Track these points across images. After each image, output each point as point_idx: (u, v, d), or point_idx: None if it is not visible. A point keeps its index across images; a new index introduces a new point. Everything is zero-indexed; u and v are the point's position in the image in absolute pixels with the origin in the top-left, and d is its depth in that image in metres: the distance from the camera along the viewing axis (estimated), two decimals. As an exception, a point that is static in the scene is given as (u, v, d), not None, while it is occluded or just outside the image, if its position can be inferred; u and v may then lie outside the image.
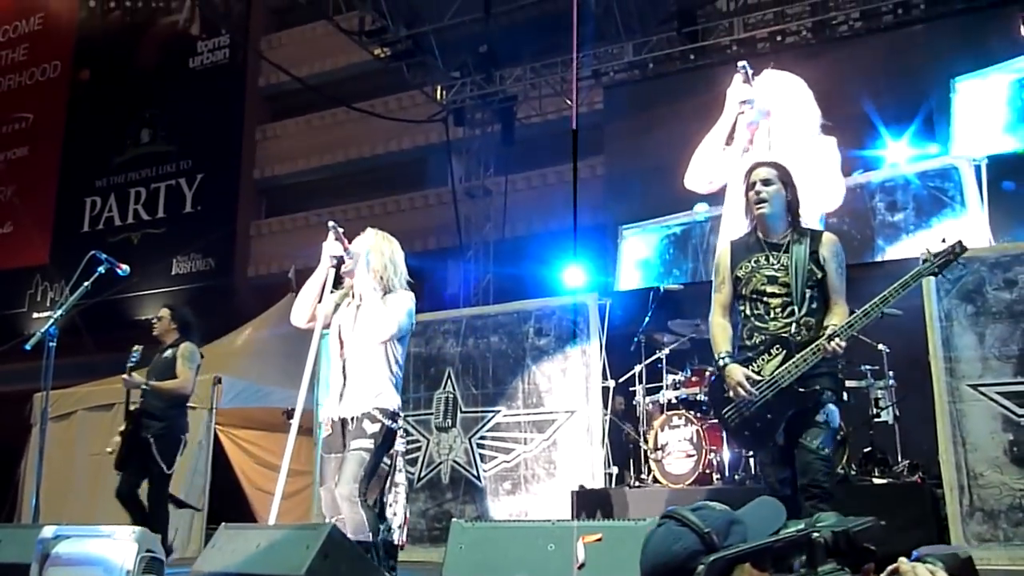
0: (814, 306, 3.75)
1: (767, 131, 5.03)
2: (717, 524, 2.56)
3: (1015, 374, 5.11)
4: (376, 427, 3.90)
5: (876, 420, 6.12)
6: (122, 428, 6.15)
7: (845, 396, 3.84)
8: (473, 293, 11.77)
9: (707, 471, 6.13)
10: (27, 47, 21.38)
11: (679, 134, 10.13)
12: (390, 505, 3.98)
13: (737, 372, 3.77)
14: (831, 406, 3.69)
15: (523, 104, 11.87)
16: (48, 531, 3.82)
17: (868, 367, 6.25)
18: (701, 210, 9.26)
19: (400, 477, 4.04)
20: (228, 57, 18.81)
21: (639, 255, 10.15)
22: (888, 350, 6.27)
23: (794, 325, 3.72)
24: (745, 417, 3.76)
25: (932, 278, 5.24)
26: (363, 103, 15.16)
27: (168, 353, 6.28)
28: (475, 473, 6.73)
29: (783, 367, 3.68)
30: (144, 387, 6.11)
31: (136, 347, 6.09)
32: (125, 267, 5.59)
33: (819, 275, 3.78)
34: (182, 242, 17.85)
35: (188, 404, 8.10)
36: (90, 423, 8.67)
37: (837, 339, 3.61)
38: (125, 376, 6.11)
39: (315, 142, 18.31)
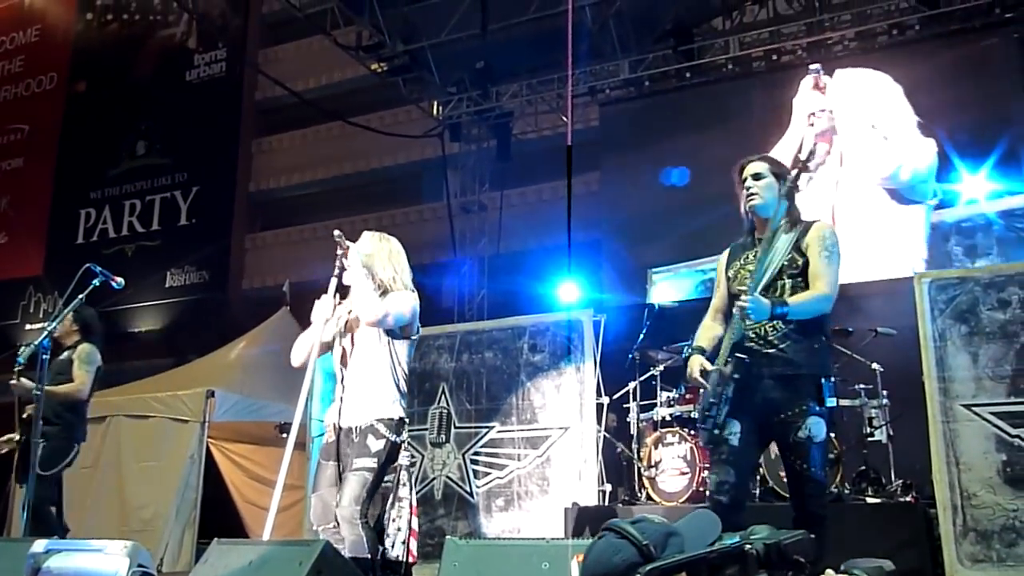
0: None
1: (839, 145, 4.87)
2: (655, 536, 2.60)
3: (1008, 394, 5.11)
4: (380, 444, 3.86)
5: (870, 439, 6.12)
6: (16, 437, 5.79)
7: (833, 402, 3.61)
8: (467, 308, 11.76)
9: (700, 489, 6.11)
10: (23, 59, 21.40)
11: (675, 151, 10.21)
12: (393, 520, 3.95)
13: (693, 362, 3.71)
14: (814, 418, 3.51)
15: (519, 120, 11.91)
16: (39, 545, 3.80)
17: (862, 386, 6.26)
18: None
19: (404, 491, 4.01)
20: (225, 70, 18.85)
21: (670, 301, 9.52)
22: (882, 369, 6.29)
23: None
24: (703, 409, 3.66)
25: (925, 296, 5.31)
26: (359, 117, 15.19)
27: (65, 355, 5.91)
28: (468, 489, 6.71)
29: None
30: (35, 392, 5.50)
31: (23, 347, 5.39)
32: (120, 280, 5.49)
33: (800, 262, 3.63)
34: (177, 255, 17.84)
35: (179, 417, 8.12)
36: (81, 436, 8.63)
37: (743, 296, 3.47)
38: (13, 380, 5.56)
39: (311, 156, 18.34)
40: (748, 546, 2.54)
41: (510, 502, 6.57)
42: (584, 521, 6.00)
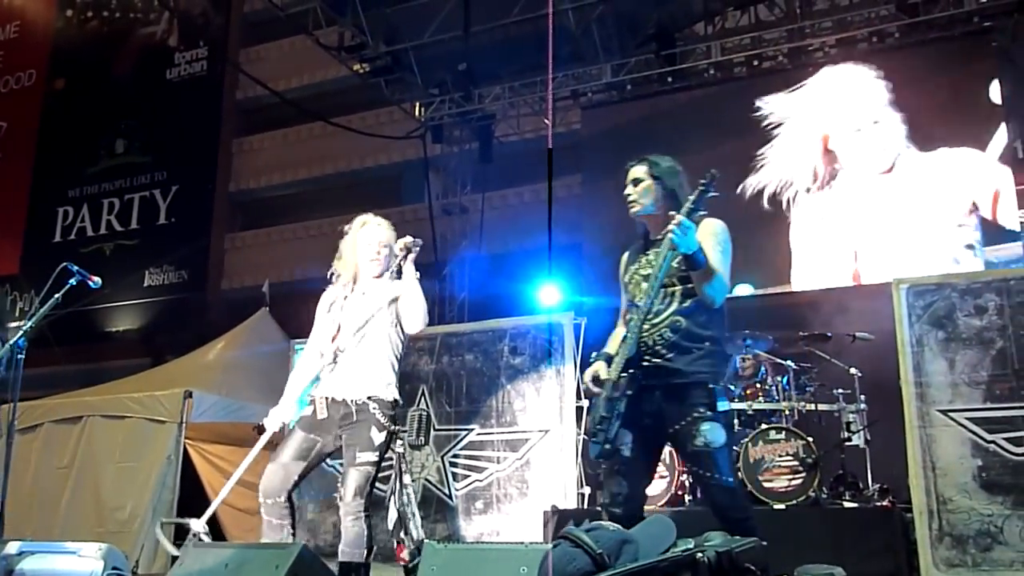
0: (686, 304, 3.52)
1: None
2: (609, 544, 2.60)
3: (984, 400, 5.16)
4: (382, 436, 3.89)
5: (847, 443, 6.16)
6: None
7: (726, 406, 3.53)
8: (448, 310, 11.74)
9: (679, 492, 6.14)
10: (1, 55, 21.21)
11: (656, 155, 10.22)
12: (407, 504, 3.98)
13: (592, 367, 3.62)
14: (707, 424, 3.40)
15: (501, 122, 11.91)
16: (12, 547, 3.77)
17: (840, 391, 6.31)
18: (743, 291, 8.87)
19: (407, 479, 4.04)
20: (206, 69, 18.75)
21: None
22: (860, 374, 6.33)
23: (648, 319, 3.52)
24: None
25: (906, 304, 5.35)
26: (341, 118, 15.14)
27: None
28: (447, 492, 6.70)
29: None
30: None
31: None
32: (97, 280, 5.42)
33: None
34: (155, 254, 17.73)
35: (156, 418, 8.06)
36: (57, 436, 8.55)
37: (677, 217, 3.35)
38: None
39: (292, 156, 18.27)
40: (700, 554, 2.56)
41: (489, 505, 6.56)
42: (563, 524, 5.98)
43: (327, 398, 3.98)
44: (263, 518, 3.90)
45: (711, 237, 3.55)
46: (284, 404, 4.13)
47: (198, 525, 3.93)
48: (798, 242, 9.40)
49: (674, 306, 3.54)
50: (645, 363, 3.52)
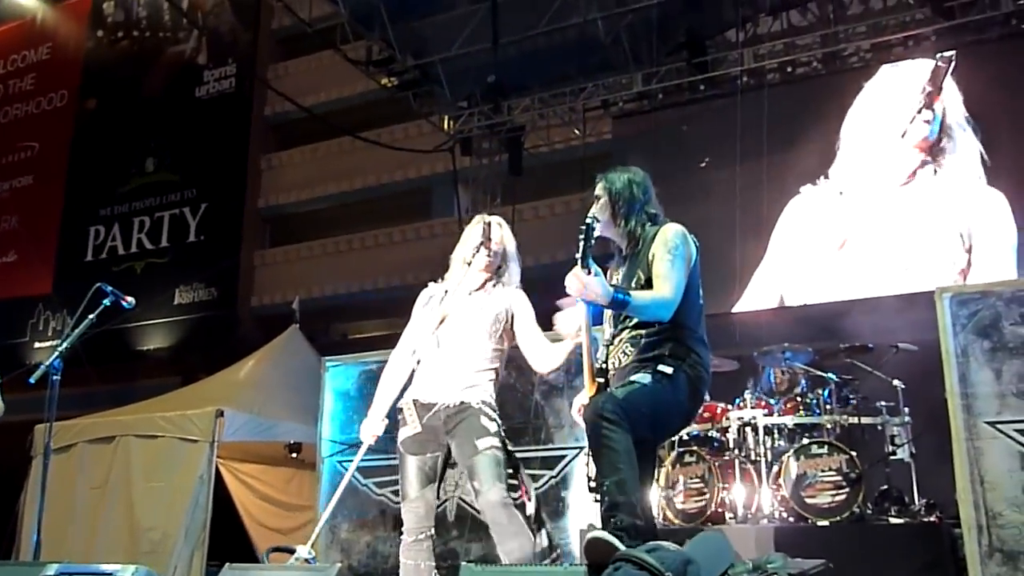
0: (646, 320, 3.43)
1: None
2: (674, 566, 2.49)
3: (1034, 411, 5.00)
4: (495, 425, 3.77)
5: (892, 458, 6.03)
6: None
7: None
8: (479, 324, 11.66)
9: (719, 509, 6.01)
10: (34, 76, 21.49)
11: (688, 164, 10.13)
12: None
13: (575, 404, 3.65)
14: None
15: (531, 134, 11.85)
16: (51, 569, 3.75)
17: (883, 403, 6.17)
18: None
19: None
20: (234, 86, 18.87)
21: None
22: (903, 386, 6.19)
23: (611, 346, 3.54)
24: None
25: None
26: (369, 132, 15.16)
27: None
28: (482, 510, 6.60)
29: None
30: None
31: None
32: (131, 300, 5.41)
33: (644, 279, 3.48)
34: (186, 272, 17.80)
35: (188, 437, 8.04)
36: (91, 456, 8.57)
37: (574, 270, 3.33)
38: None
39: (321, 171, 18.33)
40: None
41: (524, 523, 6.45)
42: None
43: (417, 402, 3.84)
44: (402, 562, 3.74)
45: (661, 246, 3.48)
46: (374, 416, 3.97)
47: (304, 551, 3.85)
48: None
49: (634, 320, 3.49)
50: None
